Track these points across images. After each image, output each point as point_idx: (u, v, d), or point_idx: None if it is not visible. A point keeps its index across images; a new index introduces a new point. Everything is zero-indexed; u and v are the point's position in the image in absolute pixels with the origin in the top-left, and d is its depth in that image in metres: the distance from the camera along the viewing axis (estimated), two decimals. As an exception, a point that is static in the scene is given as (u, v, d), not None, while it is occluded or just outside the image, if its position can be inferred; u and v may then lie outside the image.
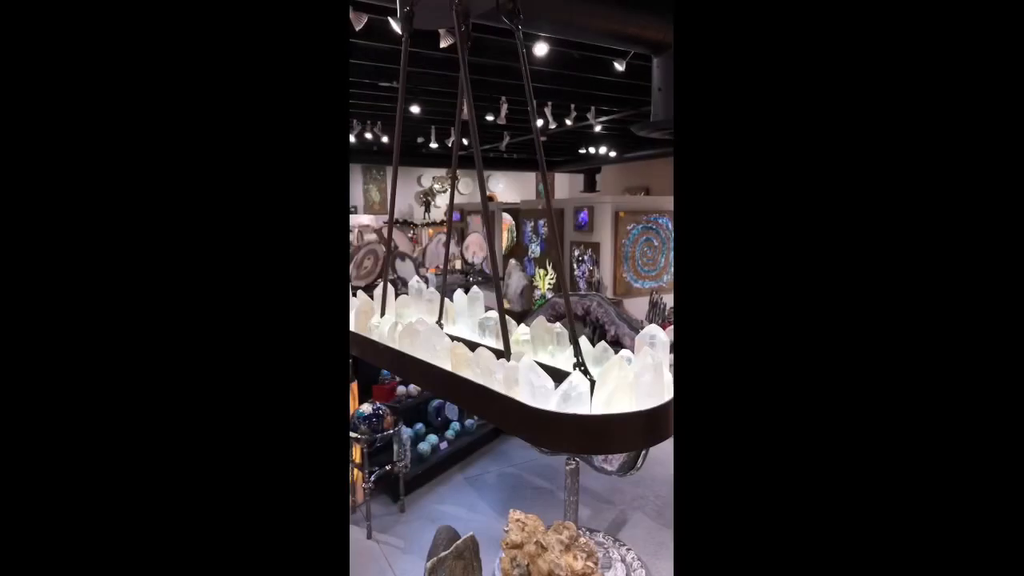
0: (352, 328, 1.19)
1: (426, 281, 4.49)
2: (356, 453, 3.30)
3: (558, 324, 0.97)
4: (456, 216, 7.69)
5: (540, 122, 5.76)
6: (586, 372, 0.88)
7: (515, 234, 6.70)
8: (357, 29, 3.19)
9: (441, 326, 1.27)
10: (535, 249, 6.55)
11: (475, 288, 1.19)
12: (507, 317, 1.01)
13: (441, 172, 10.73)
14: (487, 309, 1.24)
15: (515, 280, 5.95)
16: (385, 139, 7.11)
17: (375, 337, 1.12)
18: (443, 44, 3.38)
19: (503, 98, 5.37)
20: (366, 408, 3.25)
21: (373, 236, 5.60)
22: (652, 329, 0.90)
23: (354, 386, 3.46)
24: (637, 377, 0.75)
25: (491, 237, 0.92)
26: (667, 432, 0.77)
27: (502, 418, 0.80)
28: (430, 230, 9.70)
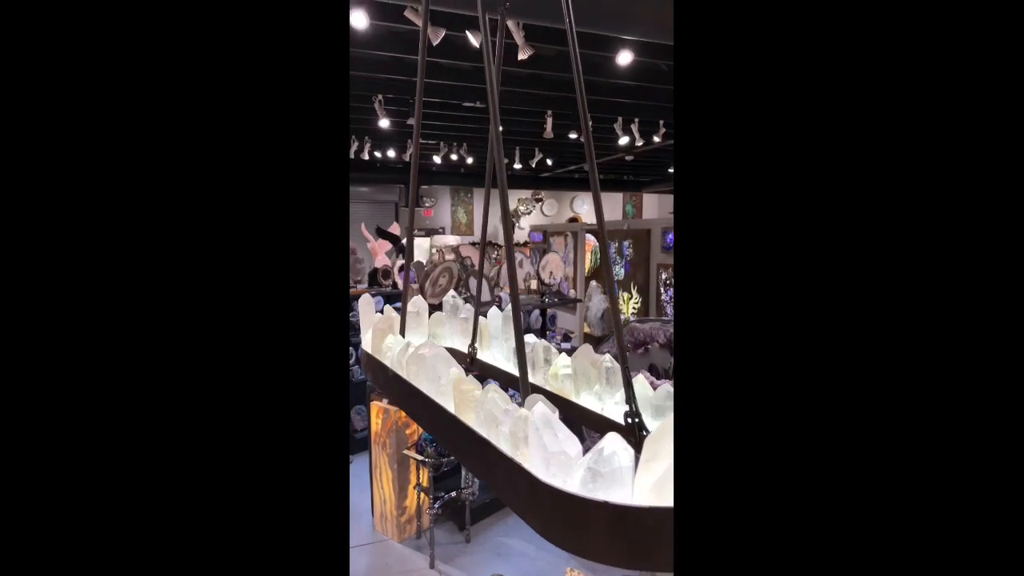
0: (369, 349, 1.00)
1: (500, 302, 4.36)
2: (424, 477, 3.18)
3: (608, 356, 0.72)
4: (539, 236, 7.64)
5: (626, 139, 5.50)
6: (641, 427, 0.62)
7: (598, 256, 6.47)
8: (435, 44, 3.16)
9: (475, 351, 1.06)
10: (618, 271, 6.27)
11: (510, 308, 0.97)
12: (535, 342, 0.77)
13: (526, 193, 10.73)
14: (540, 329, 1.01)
15: (595, 303, 5.74)
16: (471, 160, 7.19)
17: (387, 362, 0.92)
18: (521, 56, 3.26)
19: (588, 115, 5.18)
20: (431, 431, 3.12)
21: (452, 256, 5.67)
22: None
23: (421, 407, 3.36)
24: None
25: (511, 258, 0.69)
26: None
27: (506, 490, 0.55)
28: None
